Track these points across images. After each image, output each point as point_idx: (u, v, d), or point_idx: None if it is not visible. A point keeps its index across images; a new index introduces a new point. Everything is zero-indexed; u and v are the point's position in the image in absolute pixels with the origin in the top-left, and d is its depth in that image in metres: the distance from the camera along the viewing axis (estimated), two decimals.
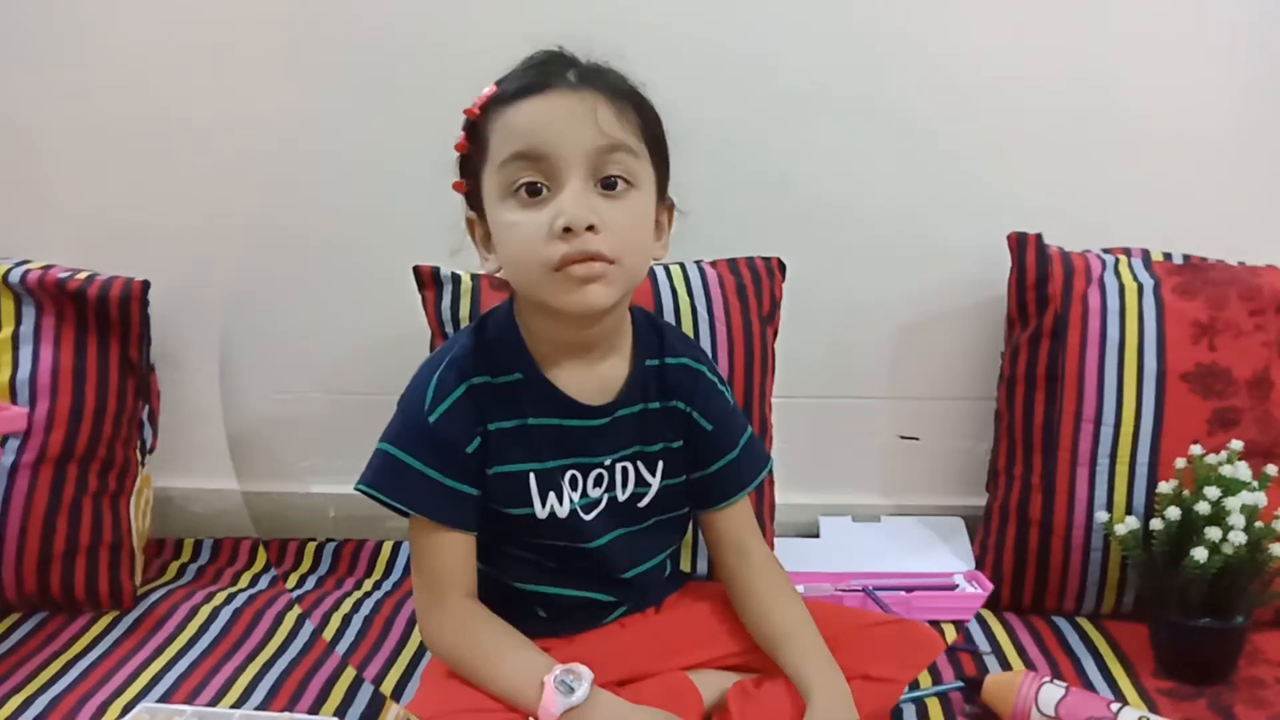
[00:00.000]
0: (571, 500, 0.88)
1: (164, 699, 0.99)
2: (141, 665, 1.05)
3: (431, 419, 0.84)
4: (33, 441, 1.13)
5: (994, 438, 1.25)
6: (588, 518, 0.89)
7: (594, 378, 0.88)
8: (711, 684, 0.90)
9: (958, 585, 1.19)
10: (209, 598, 1.19)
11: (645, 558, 0.93)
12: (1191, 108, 1.25)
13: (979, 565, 1.22)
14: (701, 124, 1.22)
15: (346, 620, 1.15)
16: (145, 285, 1.19)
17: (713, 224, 1.22)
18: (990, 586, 1.17)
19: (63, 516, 1.14)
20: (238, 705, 0.98)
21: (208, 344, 1.34)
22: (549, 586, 0.91)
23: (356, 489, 0.85)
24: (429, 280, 1.17)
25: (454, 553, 0.85)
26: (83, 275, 1.18)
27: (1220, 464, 1.04)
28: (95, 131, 1.28)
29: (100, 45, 1.26)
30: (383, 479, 0.84)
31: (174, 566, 1.29)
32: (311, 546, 1.33)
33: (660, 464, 0.91)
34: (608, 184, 0.80)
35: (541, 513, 0.87)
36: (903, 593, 1.16)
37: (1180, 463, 1.08)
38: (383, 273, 1.24)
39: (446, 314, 1.17)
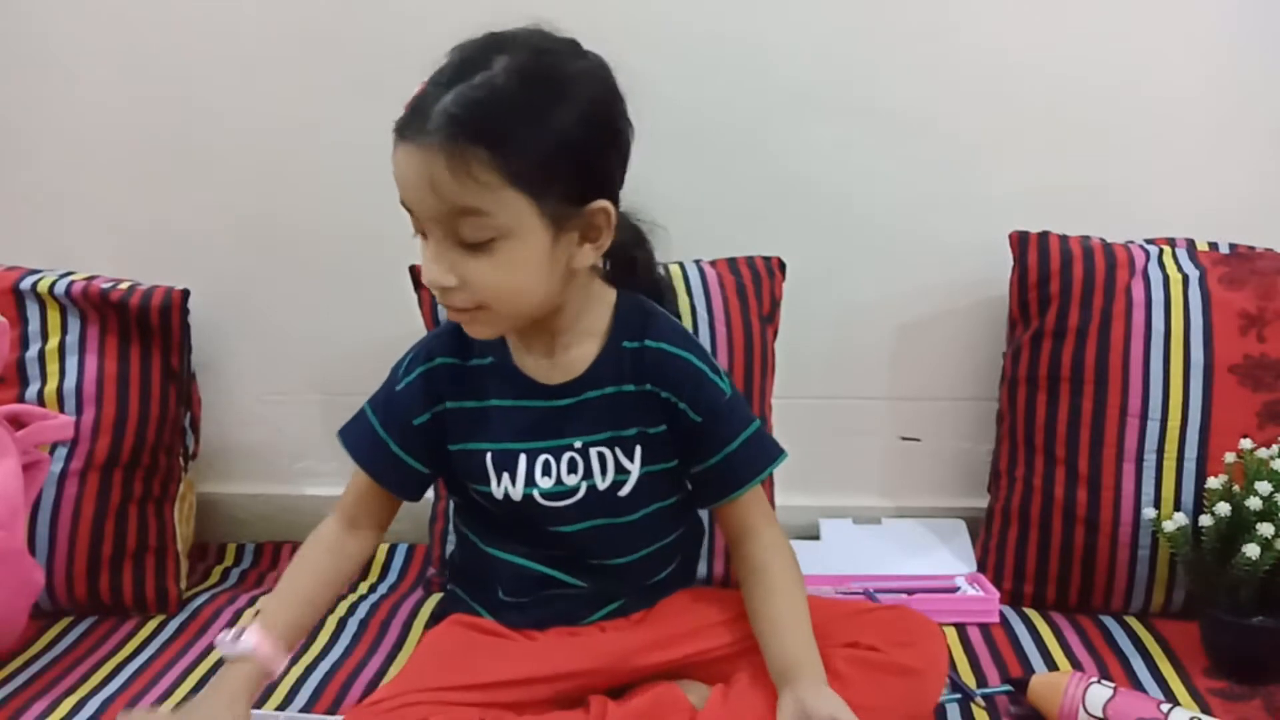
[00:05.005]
0: (536, 484, 0.88)
1: None
2: (188, 668, 1.07)
3: (397, 387, 0.91)
4: (79, 449, 1.15)
5: (995, 439, 1.24)
6: (556, 504, 0.89)
7: (562, 360, 0.89)
8: (702, 697, 0.87)
9: (959, 588, 1.17)
10: (252, 601, 1.21)
11: (631, 549, 0.92)
12: (1215, 93, 1.23)
13: (981, 567, 1.21)
14: (701, 124, 1.22)
15: (342, 623, 1.15)
16: (185, 294, 1.21)
17: (712, 223, 1.23)
18: (994, 590, 1.16)
19: (109, 522, 1.16)
20: (282, 707, 0.99)
21: (246, 350, 1.35)
22: (519, 558, 0.92)
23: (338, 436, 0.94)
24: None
25: (359, 490, 0.93)
26: (124, 285, 1.19)
27: (1272, 458, 1.02)
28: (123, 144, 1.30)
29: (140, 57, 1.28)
30: (348, 429, 0.93)
31: (217, 571, 1.31)
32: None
33: (638, 449, 0.90)
34: (468, 243, 0.77)
35: (498, 492, 0.89)
36: (904, 595, 1.15)
37: (1230, 457, 1.05)
38: (378, 273, 1.24)
39: (443, 314, 1.16)
